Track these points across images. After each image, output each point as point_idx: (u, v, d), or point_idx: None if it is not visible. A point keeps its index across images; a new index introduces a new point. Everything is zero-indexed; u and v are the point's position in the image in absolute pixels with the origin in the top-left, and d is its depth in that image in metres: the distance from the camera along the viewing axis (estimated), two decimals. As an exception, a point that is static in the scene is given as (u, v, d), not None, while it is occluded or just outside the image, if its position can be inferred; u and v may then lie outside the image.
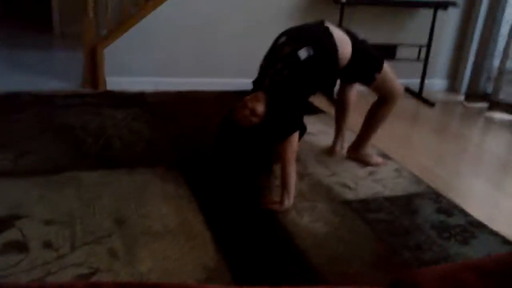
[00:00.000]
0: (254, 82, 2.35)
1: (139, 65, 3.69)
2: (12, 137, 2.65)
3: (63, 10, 5.50)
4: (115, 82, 3.64)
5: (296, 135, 2.18)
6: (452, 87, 4.52)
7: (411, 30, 4.17)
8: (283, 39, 2.23)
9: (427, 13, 4.05)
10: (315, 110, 3.51)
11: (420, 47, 4.06)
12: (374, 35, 4.05)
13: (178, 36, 3.69)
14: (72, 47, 4.78)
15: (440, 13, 4.00)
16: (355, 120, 2.76)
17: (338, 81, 2.66)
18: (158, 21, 3.60)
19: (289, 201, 2.18)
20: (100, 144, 2.67)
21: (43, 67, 4.10)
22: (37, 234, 1.83)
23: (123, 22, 3.60)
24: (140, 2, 3.62)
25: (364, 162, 2.68)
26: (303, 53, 2.11)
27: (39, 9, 6.49)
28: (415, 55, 4.09)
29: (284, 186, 2.19)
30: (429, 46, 4.05)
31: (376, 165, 2.68)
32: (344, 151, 2.81)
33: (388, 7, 3.99)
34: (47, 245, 1.78)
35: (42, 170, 2.33)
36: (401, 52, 4.07)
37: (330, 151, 2.81)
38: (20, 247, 1.76)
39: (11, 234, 1.82)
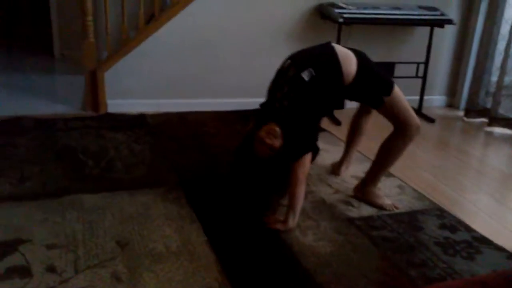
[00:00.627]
0: (262, 105, 2.34)
1: (140, 87, 3.71)
2: (14, 161, 2.65)
3: (63, 34, 5.56)
4: (116, 104, 3.66)
5: (308, 156, 2.17)
6: (451, 103, 4.54)
7: (408, 47, 4.21)
8: (288, 62, 2.25)
9: (424, 30, 4.10)
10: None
11: (418, 64, 4.10)
12: (372, 54, 4.06)
13: (177, 58, 3.72)
14: (73, 71, 4.82)
15: (437, 30, 4.04)
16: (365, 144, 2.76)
17: (353, 105, 2.62)
18: (157, 43, 3.63)
19: (293, 221, 2.17)
20: (101, 167, 2.67)
21: (44, 91, 4.12)
22: (40, 258, 1.82)
23: (123, 45, 3.63)
24: (140, 26, 3.66)
25: (372, 203, 2.46)
26: (306, 75, 2.13)
27: (39, 33, 6.56)
28: (413, 72, 4.12)
29: (291, 206, 2.17)
30: (426, 63, 4.09)
31: (384, 208, 2.43)
32: (348, 170, 2.79)
33: (385, 25, 4.03)
34: (51, 269, 1.77)
35: (44, 193, 2.33)
36: (399, 70, 4.10)
37: (334, 172, 2.79)
38: (24, 271, 1.74)
39: (14, 259, 1.81)
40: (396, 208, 2.45)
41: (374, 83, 2.31)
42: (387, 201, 2.47)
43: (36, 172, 2.54)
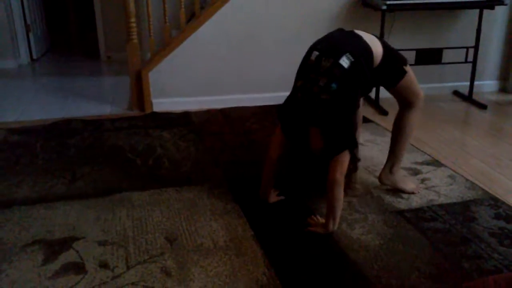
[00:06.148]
0: (286, 102, 2.18)
1: (183, 85, 3.76)
2: (65, 162, 2.75)
3: (108, 37, 5.72)
4: (161, 103, 3.73)
5: (347, 154, 2.04)
6: (504, 88, 4.35)
7: (456, 32, 4.06)
8: (315, 53, 2.06)
9: (473, 13, 3.93)
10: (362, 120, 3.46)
11: (467, 48, 3.94)
12: (418, 40, 3.99)
13: (219, 54, 3.75)
14: (118, 72, 4.96)
15: (486, 12, 3.87)
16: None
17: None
18: (199, 41, 3.67)
19: (334, 225, 2.07)
20: (149, 165, 2.73)
21: (92, 93, 4.26)
22: (93, 255, 1.88)
23: (166, 45, 3.69)
24: (181, 25, 3.71)
25: (399, 189, 2.42)
26: (345, 62, 2.00)
27: (85, 38, 6.78)
28: (463, 57, 3.97)
29: (330, 208, 2.07)
30: (476, 47, 3.92)
31: (412, 192, 2.42)
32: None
33: (430, 10, 3.90)
34: (103, 265, 1.82)
35: (95, 192, 2.40)
36: (447, 56, 3.96)
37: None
38: (78, 268, 1.81)
39: (69, 256, 1.88)
40: (417, 191, 2.43)
41: (395, 58, 2.24)
42: (410, 186, 2.43)
43: (86, 172, 2.63)
